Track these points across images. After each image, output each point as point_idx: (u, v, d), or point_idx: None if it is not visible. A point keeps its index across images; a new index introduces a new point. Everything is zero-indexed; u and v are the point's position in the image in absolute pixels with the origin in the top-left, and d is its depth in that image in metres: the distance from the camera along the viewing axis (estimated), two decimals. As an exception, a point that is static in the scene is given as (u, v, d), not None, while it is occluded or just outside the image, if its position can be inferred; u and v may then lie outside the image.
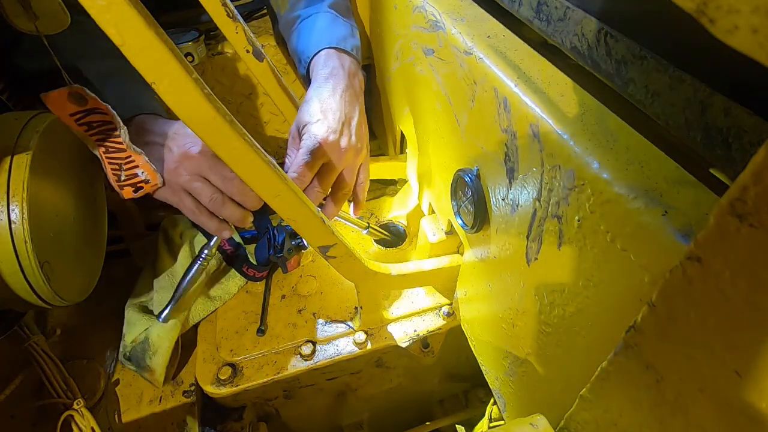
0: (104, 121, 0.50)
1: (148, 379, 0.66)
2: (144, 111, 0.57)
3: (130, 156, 0.51)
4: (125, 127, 0.50)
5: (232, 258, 0.76)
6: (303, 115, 0.59)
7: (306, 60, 0.68)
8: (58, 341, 0.71)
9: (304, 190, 0.55)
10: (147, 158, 0.51)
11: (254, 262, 0.77)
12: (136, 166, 0.52)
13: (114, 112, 0.49)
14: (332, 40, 0.67)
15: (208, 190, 0.53)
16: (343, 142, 0.58)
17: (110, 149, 0.51)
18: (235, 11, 0.59)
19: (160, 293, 0.70)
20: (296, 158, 0.56)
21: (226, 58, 0.82)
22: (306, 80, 0.70)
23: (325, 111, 0.58)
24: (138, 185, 0.53)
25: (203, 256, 0.67)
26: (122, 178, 0.52)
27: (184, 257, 0.73)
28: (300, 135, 0.58)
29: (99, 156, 0.51)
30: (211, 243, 0.67)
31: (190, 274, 0.68)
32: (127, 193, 0.53)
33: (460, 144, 0.52)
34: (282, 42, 0.84)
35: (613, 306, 0.32)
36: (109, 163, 0.52)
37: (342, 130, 0.58)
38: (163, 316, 0.67)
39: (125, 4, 0.28)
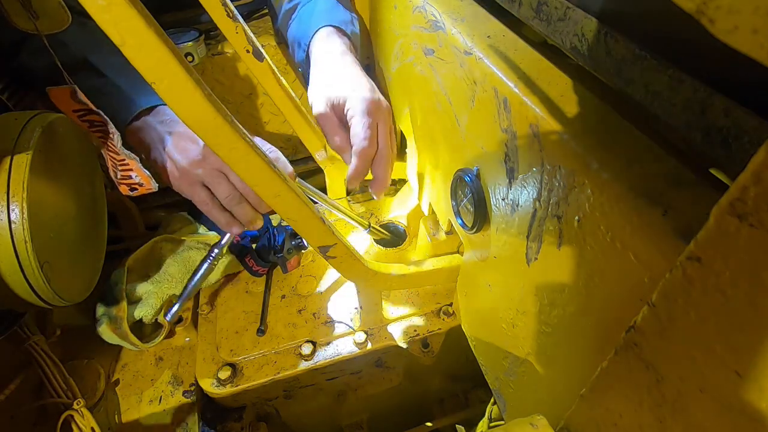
0: (103, 122, 0.50)
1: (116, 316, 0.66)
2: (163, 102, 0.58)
3: (124, 159, 0.51)
4: (118, 133, 0.50)
5: (237, 247, 0.77)
6: (335, 90, 0.58)
7: (307, 39, 0.66)
8: (58, 341, 0.71)
9: (376, 156, 0.55)
10: (140, 164, 0.52)
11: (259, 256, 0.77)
12: (130, 170, 0.52)
13: (107, 118, 0.49)
14: (334, 20, 0.67)
15: (226, 187, 0.54)
16: (384, 103, 0.59)
17: (109, 148, 0.51)
18: (235, 11, 0.59)
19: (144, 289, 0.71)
20: (357, 125, 0.55)
21: (226, 58, 0.82)
22: (305, 65, 0.68)
23: (356, 80, 0.59)
24: (133, 186, 0.53)
25: (213, 254, 0.68)
26: (118, 176, 0.53)
27: (176, 259, 0.74)
28: (336, 108, 0.58)
29: (102, 151, 0.52)
30: (222, 242, 0.67)
31: (200, 273, 0.68)
32: (124, 190, 0.54)
33: (460, 144, 0.52)
34: (282, 42, 0.84)
35: (613, 306, 0.32)
36: (110, 159, 0.52)
37: (376, 91, 0.59)
38: (170, 314, 0.68)
39: (125, 4, 0.28)
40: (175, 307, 0.68)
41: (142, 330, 0.72)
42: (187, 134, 0.54)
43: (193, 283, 0.69)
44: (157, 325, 0.73)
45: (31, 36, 0.56)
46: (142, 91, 0.57)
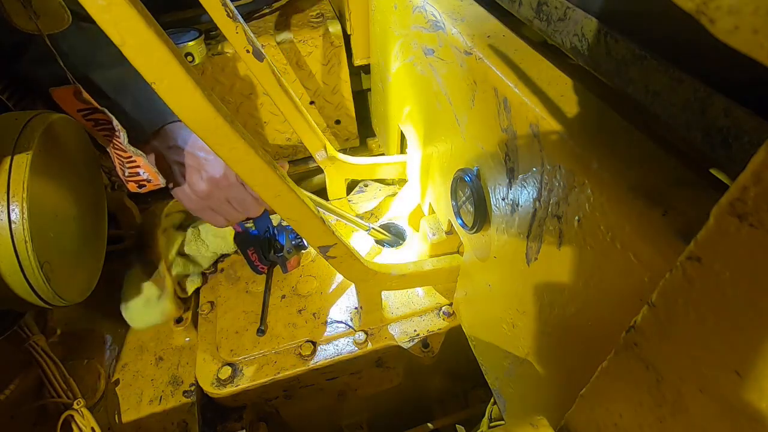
0: (108, 120, 0.50)
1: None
2: (168, 119, 0.58)
3: (131, 156, 0.51)
4: (124, 131, 0.50)
5: (241, 236, 0.77)
6: None
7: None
8: (58, 341, 0.71)
9: None
10: (147, 160, 0.52)
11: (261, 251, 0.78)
12: (138, 166, 0.52)
13: (112, 115, 0.49)
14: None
15: (234, 214, 0.62)
16: None
17: (116, 146, 0.52)
18: (235, 11, 0.59)
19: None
20: None
21: (226, 58, 0.82)
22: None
23: None
24: (141, 182, 0.53)
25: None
26: (126, 174, 0.53)
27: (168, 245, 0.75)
28: None
29: (108, 150, 0.52)
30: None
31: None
32: (132, 187, 0.54)
33: (460, 144, 0.52)
34: (282, 42, 0.84)
35: (613, 306, 0.32)
36: (116, 158, 0.53)
37: None
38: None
39: (125, 4, 0.28)
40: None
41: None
42: (193, 166, 0.57)
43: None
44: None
45: (33, 44, 0.56)
46: (147, 112, 0.57)
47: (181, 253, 0.78)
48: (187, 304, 0.79)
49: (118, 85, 0.58)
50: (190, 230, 0.78)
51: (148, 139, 0.57)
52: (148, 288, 0.73)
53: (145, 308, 0.72)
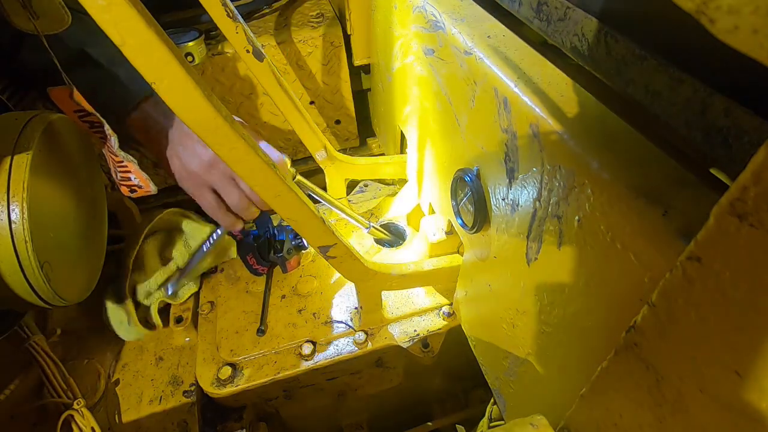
0: (101, 123, 0.50)
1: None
2: None
3: (122, 161, 0.51)
4: (115, 135, 0.50)
5: (240, 244, 0.77)
6: None
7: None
8: (58, 341, 0.71)
9: None
10: (138, 166, 0.52)
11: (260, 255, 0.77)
12: (129, 172, 0.52)
13: (104, 120, 0.49)
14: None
15: (237, 194, 0.57)
16: None
17: (109, 149, 0.52)
18: (235, 11, 0.59)
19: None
20: None
21: (226, 58, 0.82)
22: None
23: None
24: (132, 187, 0.54)
25: (215, 236, 0.72)
26: (118, 177, 0.53)
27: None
28: None
29: (103, 152, 0.53)
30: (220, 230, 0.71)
31: (201, 253, 0.73)
32: (124, 191, 0.54)
33: (460, 144, 0.52)
34: (282, 42, 0.84)
35: (613, 306, 0.32)
36: (110, 161, 0.53)
37: None
38: (170, 289, 0.74)
39: (125, 4, 0.28)
40: (173, 283, 0.74)
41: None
42: (194, 135, 0.56)
43: (193, 262, 0.73)
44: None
45: (29, 34, 0.56)
46: (141, 79, 0.58)
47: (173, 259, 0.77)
48: (187, 304, 0.79)
49: (114, 58, 0.58)
50: (180, 242, 0.78)
51: (140, 104, 0.57)
52: (119, 312, 0.72)
53: (121, 329, 0.72)
